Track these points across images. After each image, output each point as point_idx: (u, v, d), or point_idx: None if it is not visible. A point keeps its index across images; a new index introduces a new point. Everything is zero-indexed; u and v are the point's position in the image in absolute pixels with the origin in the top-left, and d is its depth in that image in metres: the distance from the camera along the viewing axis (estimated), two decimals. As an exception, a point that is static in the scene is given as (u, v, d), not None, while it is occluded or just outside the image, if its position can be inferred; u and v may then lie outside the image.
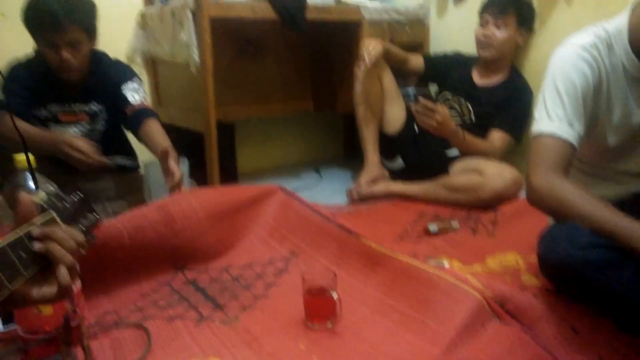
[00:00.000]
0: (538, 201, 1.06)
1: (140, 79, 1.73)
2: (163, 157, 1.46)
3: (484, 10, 2.00)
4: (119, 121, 1.74)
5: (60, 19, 1.49)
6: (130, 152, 1.89)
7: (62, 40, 1.53)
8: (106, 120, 1.74)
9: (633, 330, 0.97)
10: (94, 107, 1.71)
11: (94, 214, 0.84)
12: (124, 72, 1.71)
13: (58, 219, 0.71)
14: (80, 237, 0.69)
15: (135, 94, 1.66)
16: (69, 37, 1.52)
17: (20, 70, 1.63)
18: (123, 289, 1.23)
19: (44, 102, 1.66)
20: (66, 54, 1.54)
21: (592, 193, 1.01)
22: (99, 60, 1.70)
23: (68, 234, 0.67)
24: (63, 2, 1.50)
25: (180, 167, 1.46)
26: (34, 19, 1.51)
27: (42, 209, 0.73)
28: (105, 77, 1.69)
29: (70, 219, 0.76)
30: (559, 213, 1.00)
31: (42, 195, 0.75)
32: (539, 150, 1.06)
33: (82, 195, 0.81)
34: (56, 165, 1.71)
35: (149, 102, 1.68)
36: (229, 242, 1.43)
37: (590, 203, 0.97)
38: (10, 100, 1.58)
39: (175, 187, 1.43)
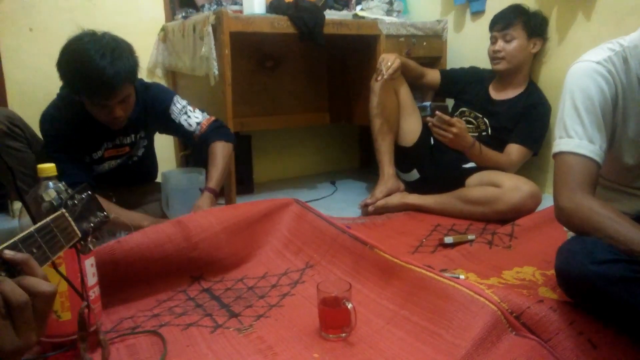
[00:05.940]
0: (565, 222, 1.06)
1: (177, 95, 1.72)
2: None
3: (491, 28, 2.03)
4: (151, 144, 1.77)
5: (112, 83, 1.38)
6: (155, 165, 1.94)
7: (115, 101, 1.44)
8: (146, 146, 1.76)
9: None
10: (136, 136, 1.71)
11: (104, 213, 0.85)
12: (162, 96, 1.68)
13: (68, 217, 0.73)
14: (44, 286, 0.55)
15: (188, 117, 1.66)
16: (121, 96, 1.45)
17: (61, 125, 1.53)
18: (140, 297, 1.25)
19: (96, 145, 1.62)
20: (119, 112, 1.46)
21: (618, 211, 0.99)
22: (137, 91, 1.62)
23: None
24: (109, 59, 1.37)
25: None
26: (80, 82, 1.39)
27: (52, 207, 0.75)
28: (147, 106, 1.66)
29: (79, 216, 0.77)
30: (586, 233, 0.99)
31: (52, 193, 0.77)
32: (562, 170, 1.05)
33: (91, 194, 0.83)
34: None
35: (203, 116, 1.69)
36: (245, 255, 1.45)
37: (617, 223, 0.95)
38: (65, 169, 1.40)
39: None
